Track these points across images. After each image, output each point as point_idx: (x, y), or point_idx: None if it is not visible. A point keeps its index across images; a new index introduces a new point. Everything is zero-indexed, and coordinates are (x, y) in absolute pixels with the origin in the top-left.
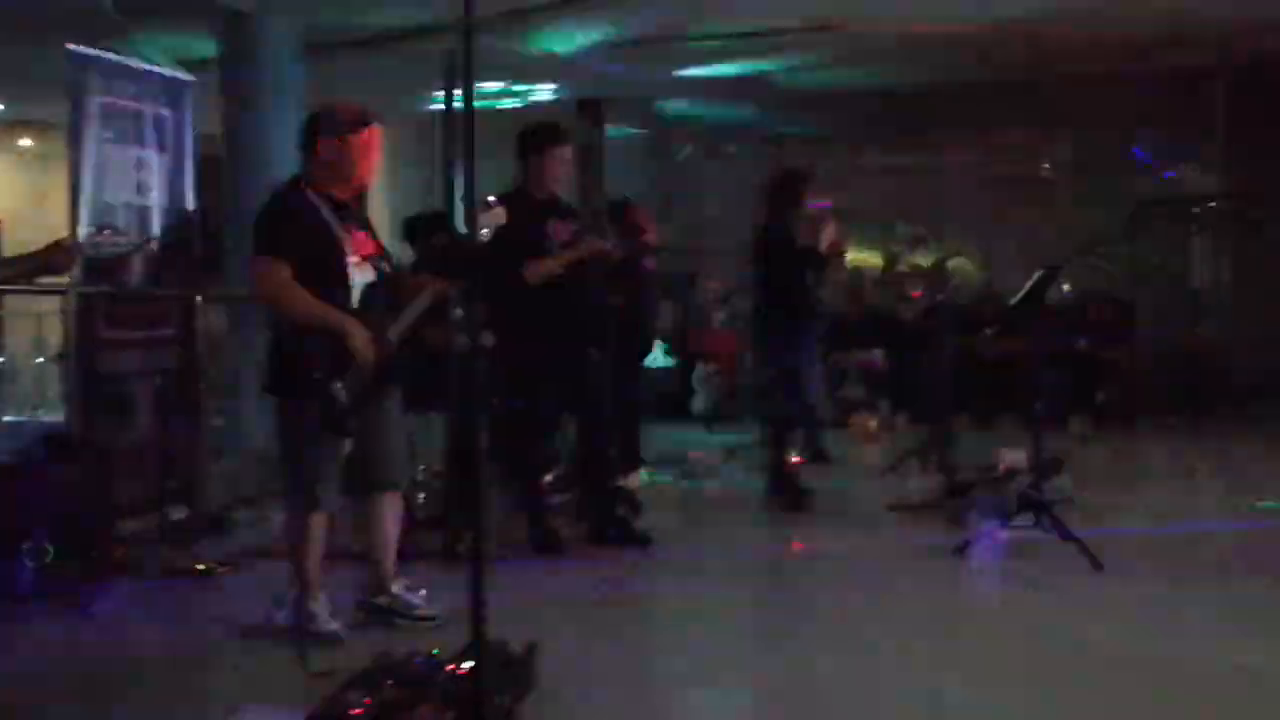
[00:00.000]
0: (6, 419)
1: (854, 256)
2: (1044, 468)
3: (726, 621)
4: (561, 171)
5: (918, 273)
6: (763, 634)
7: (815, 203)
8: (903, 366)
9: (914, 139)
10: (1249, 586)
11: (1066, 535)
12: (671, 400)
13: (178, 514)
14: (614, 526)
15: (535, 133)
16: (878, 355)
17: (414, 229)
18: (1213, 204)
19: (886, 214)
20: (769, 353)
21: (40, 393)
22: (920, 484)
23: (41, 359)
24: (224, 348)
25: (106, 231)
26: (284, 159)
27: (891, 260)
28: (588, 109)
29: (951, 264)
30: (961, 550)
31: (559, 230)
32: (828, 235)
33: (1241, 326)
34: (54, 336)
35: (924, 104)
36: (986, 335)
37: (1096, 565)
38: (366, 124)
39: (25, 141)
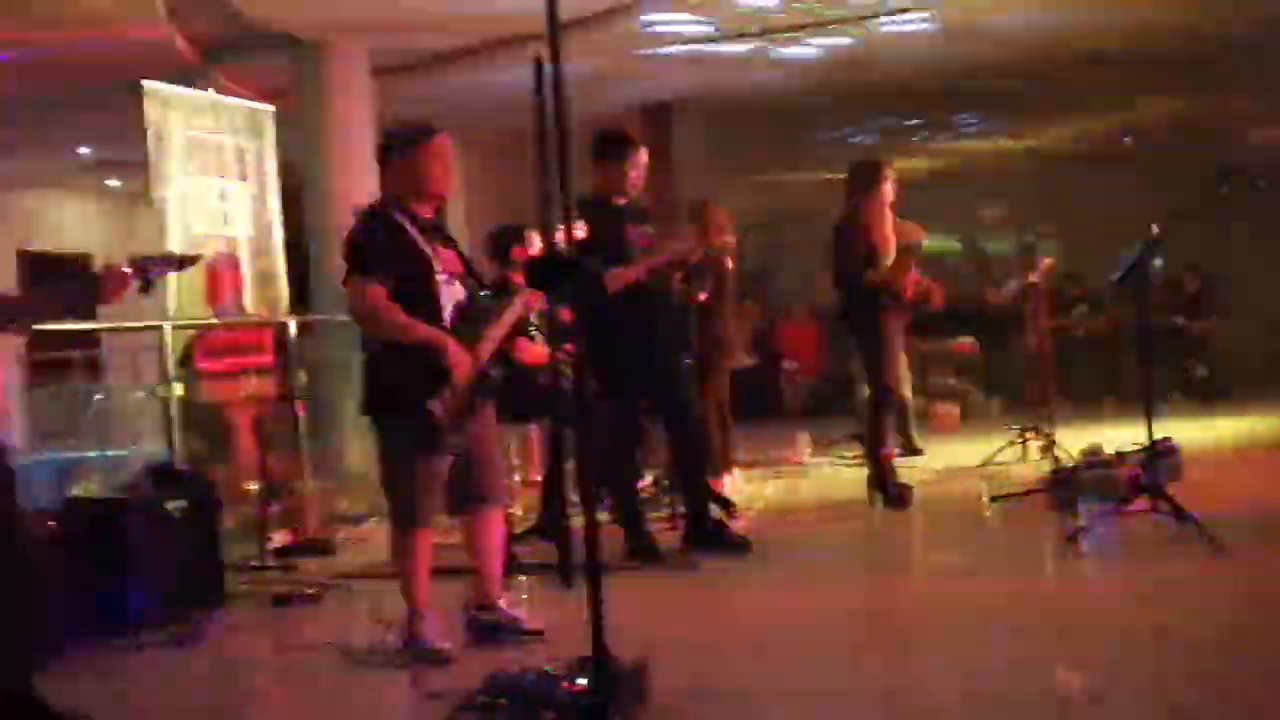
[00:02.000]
0: (109, 453)
1: (933, 243)
2: (1157, 448)
3: (835, 626)
4: (638, 176)
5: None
6: (876, 639)
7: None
8: (995, 351)
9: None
10: None
11: (1184, 517)
12: (758, 399)
13: (282, 539)
14: (710, 531)
15: (612, 139)
16: (970, 341)
17: (500, 243)
18: None
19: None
20: (854, 345)
21: (141, 426)
22: (1023, 471)
23: (141, 393)
24: (319, 372)
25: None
26: (362, 184)
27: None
28: (655, 112)
29: (1037, 244)
30: (1075, 538)
31: (638, 236)
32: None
33: None
34: (151, 369)
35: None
36: (1079, 315)
37: (1217, 546)
38: (432, 134)
39: (113, 181)
